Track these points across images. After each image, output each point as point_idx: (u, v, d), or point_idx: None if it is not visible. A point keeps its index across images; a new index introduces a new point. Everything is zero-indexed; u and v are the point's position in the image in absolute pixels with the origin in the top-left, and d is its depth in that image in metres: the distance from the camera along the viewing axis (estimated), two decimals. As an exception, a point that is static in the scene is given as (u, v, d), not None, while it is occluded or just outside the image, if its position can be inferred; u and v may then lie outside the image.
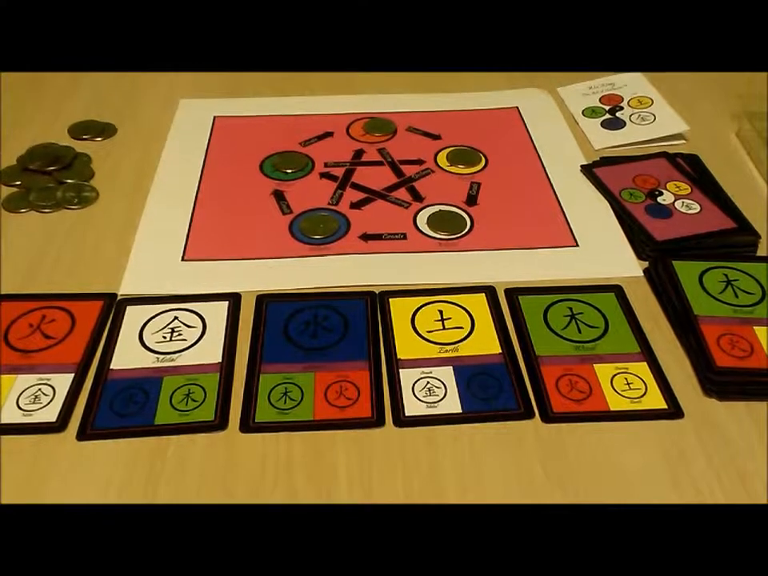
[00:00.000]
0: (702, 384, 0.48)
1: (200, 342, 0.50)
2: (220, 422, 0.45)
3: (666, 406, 0.46)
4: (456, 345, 0.50)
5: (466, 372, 0.48)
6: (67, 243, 0.58)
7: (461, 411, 0.46)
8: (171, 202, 0.62)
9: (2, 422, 0.45)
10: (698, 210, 0.60)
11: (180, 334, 0.51)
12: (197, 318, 0.52)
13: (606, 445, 0.44)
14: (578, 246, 0.58)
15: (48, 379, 0.47)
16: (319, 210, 0.62)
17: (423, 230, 0.60)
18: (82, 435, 0.44)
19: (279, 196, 0.63)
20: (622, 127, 0.71)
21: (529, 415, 0.46)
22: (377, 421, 0.45)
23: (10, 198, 0.62)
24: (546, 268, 0.56)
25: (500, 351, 0.50)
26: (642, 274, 0.56)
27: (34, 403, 0.46)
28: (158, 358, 0.49)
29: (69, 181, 0.64)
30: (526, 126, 0.72)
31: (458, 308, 0.53)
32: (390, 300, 0.53)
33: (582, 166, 0.66)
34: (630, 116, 0.72)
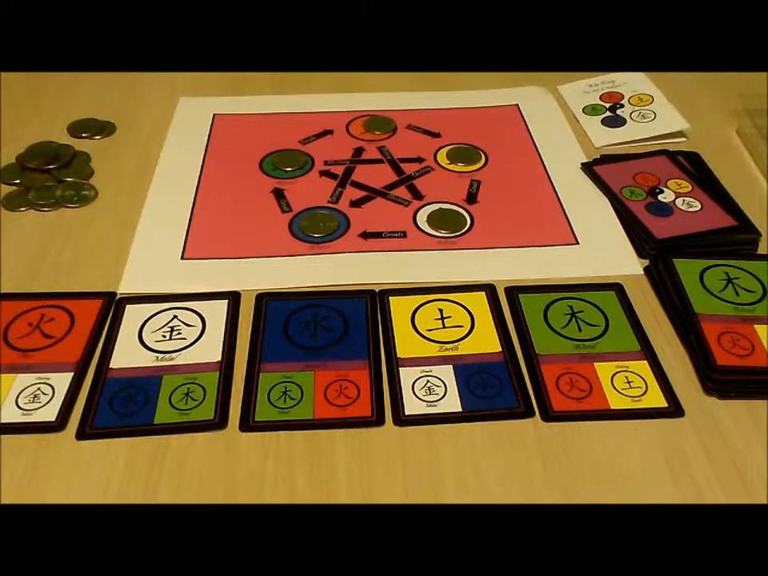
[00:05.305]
0: (702, 382, 0.47)
1: (199, 341, 0.50)
2: (220, 421, 0.45)
3: (666, 405, 0.46)
4: (456, 343, 0.50)
5: (466, 371, 0.48)
6: (66, 242, 0.58)
7: (461, 410, 0.46)
8: (170, 201, 0.62)
9: (1, 421, 0.45)
10: (699, 207, 0.60)
11: (179, 333, 0.50)
12: (196, 316, 0.52)
13: (606, 444, 0.44)
14: (578, 244, 0.58)
15: (47, 378, 0.47)
16: (319, 208, 0.61)
17: (423, 228, 0.59)
18: (82, 435, 0.44)
19: (279, 194, 0.63)
20: (623, 125, 0.71)
21: (529, 414, 0.46)
22: (377, 420, 0.45)
23: (10, 196, 0.62)
24: (546, 266, 0.56)
25: (500, 350, 0.50)
26: (643, 272, 0.56)
27: (33, 402, 0.46)
28: (157, 357, 0.49)
29: (68, 179, 0.64)
30: (526, 124, 0.72)
31: (458, 306, 0.53)
32: (390, 299, 0.53)
33: (582, 164, 0.66)
34: (631, 113, 0.72)
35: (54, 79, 0.77)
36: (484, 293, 0.54)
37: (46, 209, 0.61)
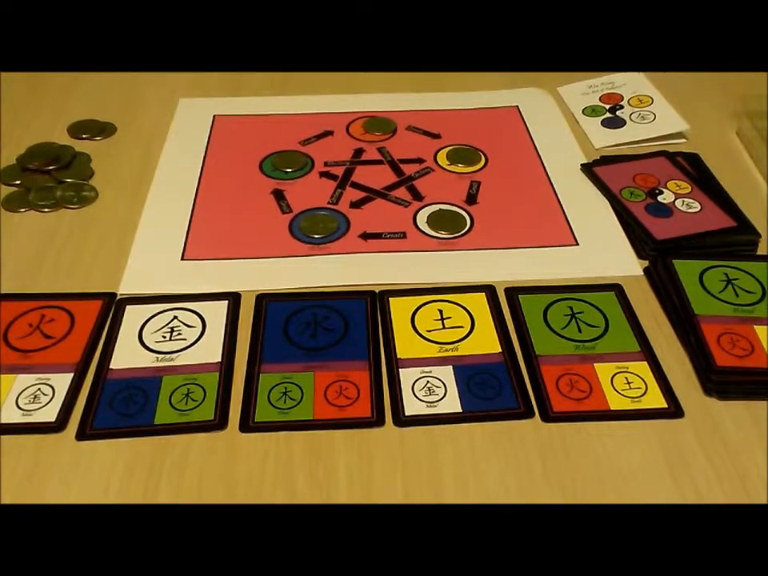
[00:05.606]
0: (702, 383, 0.48)
1: (200, 342, 0.50)
2: (220, 422, 0.45)
3: (666, 406, 0.46)
4: (456, 344, 0.50)
5: (466, 371, 0.48)
6: (66, 243, 0.58)
7: (461, 411, 0.46)
8: (171, 201, 0.62)
9: (2, 421, 0.45)
10: (699, 208, 0.60)
11: (179, 334, 0.51)
12: (196, 317, 0.52)
13: (605, 444, 0.44)
14: (578, 245, 0.58)
15: (47, 379, 0.47)
16: (319, 209, 0.62)
17: (423, 229, 0.60)
18: (82, 435, 0.44)
19: (279, 195, 0.63)
20: (622, 126, 0.71)
21: (529, 415, 0.46)
22: (377, 420, 0.45)
23: (10, 197, 0.62)
24: (546, 267, 0.56)
25: (500, 350, 0.50)
26: (642, 273, 0.56)
27: (33, 403, 0.46)
28: (157, 358, 0.49)
29: (68, 180, 0.64)
30: (525, 125, 0.72)
31: (458, 307, 0.53)
32: (390, 299, 0.53)
33: (582, 165, 0.66)
34: (630, 115, 0.72)
35: (54, 79, 0.77)
36: (484, 294, 0.54)
37: (46, 209, 0.61)
